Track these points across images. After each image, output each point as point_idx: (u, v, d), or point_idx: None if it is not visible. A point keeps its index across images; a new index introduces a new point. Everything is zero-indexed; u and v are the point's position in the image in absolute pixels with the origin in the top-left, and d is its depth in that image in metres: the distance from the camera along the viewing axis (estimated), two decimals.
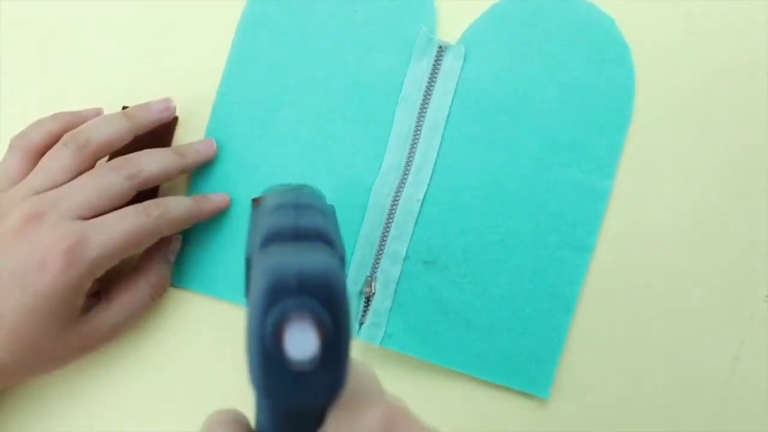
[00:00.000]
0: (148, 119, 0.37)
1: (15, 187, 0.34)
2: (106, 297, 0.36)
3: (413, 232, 0.40)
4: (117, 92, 0.41)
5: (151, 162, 0.35)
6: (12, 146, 0.36)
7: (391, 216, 0.40)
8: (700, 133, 0.41)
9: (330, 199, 0.39)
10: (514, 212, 0.40)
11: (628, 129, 0.40)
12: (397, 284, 0.40)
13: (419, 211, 0.40)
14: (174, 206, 0.36)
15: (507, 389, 0.39)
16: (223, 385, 0.39)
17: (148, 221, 0.34)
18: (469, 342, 0.39)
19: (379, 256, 0.40)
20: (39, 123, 0.36)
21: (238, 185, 0.40)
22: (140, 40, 0.41)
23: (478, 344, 0.39)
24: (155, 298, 0.38)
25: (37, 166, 0.34)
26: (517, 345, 0.39)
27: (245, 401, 0.39)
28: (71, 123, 0.36)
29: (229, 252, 0.39)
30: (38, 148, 0.35)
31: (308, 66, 0.40)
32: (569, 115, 0.40)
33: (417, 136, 0.40)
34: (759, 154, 0.40)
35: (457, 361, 0.39)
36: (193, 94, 0.40)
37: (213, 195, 0.39)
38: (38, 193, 0.33)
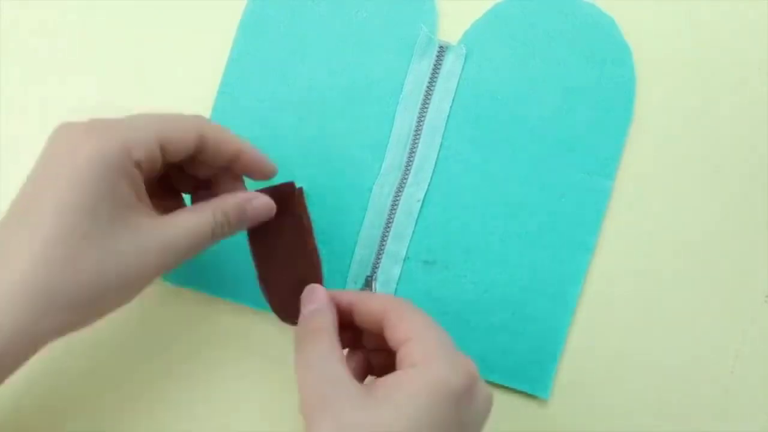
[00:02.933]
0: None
1: None
2: (161, 212, 0.32)
3: (413, 232, 0.40)
4: (117, 92, 0.41)
5: (217, 129, 0.34)
6: None
7: (392, 216, 0.40)
8: (701, 133, 0.41)
9: (330, 199, 0.40)
10: (514, 212, 0.40)
11: (629, 129, 0.40)
12: (397, 284, 0.40)
13: (419, 211, 0.40)
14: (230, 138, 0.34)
15: (507, 389, 0.39)
16: (222, 384, 0.39)
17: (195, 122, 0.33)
18: (469, 342, 0.39)
19: (380, 256, 0.40)
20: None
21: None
22: (141, 39, 0.41)
23: (478, 344, 0.39)
24: (216, 235, 0.33)
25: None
26: (517, 345, 0.39)
27: (245, 400, 0.39)
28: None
29: (228, 251, 0.39)
30: None
31: (309, 66, 0.40)
32: (570, 115, 0.40)
33: (417, 137, 0.40)
34: (759, 154, 0.40)
35: None
36: (193, 94, 0.40)
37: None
38: None
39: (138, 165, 0.30)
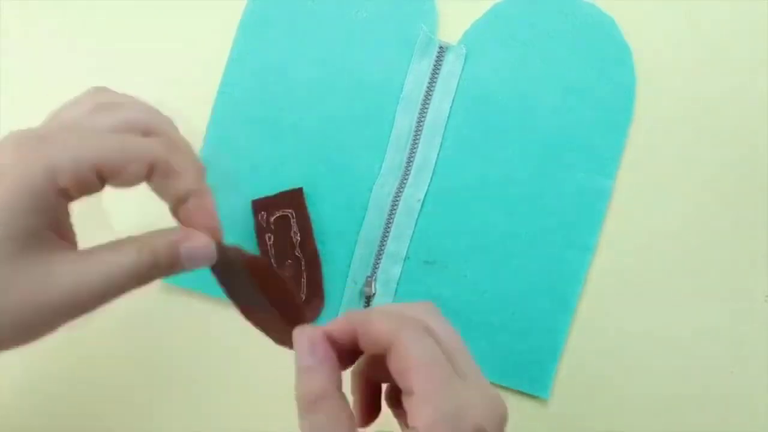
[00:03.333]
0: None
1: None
2: (82, 250, 0.28)
3: (413, 232, 0.40)
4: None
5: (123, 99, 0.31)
6: (85, 95, 0.31)
7: (392, 216, 0.40)
8: (701, 132, 0.41)
9: (330, 199, 0.40)
10: (514, 212, 0.40)
11: (629, 129, 0.40)
12: (398, 284, 0.40)
13: (419, 211, 0.40)
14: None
15: (507, 389, 0.39)
16: (221, 382, 0.39)
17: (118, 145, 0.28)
18: (469, 342, 0.39)
19: (380, 256, 0.40)
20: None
21: (239, 185, 0.40)
22: (141, 40, 0.41)
23: (478, 344, 0.39)
24: (143, 277, 0.28)
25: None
26: (517, 345, 0.39)
27: (245, 399, 0.39)
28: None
29: None
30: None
31: (309, 66, 0.40)
32: (570, 115, 0.40)
33: (417, 136, 0.40)
34: (759, 154, 0.40)
35: None
36: (193, 94, 0.40)
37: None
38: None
39: (63, 192, 0.27)
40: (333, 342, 0.29)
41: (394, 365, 0.27)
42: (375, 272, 0.40)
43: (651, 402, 0.40)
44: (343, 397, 0.28)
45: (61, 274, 0.27)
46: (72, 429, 0.39)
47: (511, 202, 0.40)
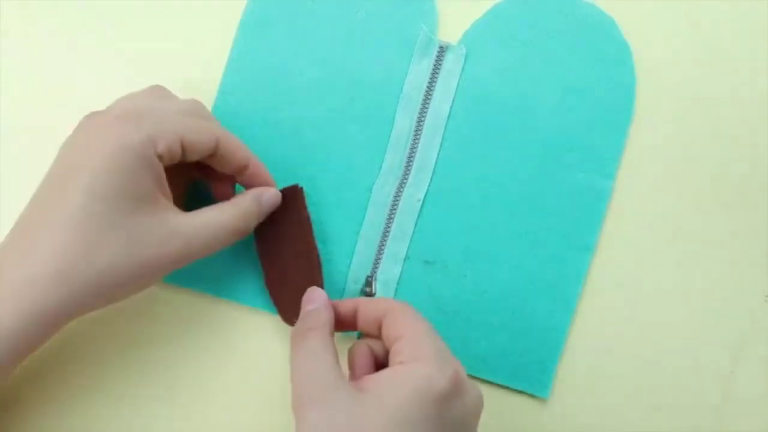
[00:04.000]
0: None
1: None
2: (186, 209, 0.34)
3: (414, 232, 0.40)
4: (117, 92, 0.41)
5: (238, 153, 0.36)
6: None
7: (392, 216, 0.40)
8: (701, 132, 0.41)
9: (330, 198, 0.40)
10: (514, 212, 0.40)
11: (629, 129, 0.40)
12: (398, 284, 0.40)
13: (420, 211, 0.40)
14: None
15: (507, 389, 0.39)
16: (221, 383, 0.39)
17: (212, 128, 0.34)
18: (469, 342, 0.39)
19: (380, 256, 0.40)
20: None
21: (239, 185, 0.40)
22: (141, 39, 0.41)
23: (478, 344, 0.39)
24: (240, 230, 0.35)
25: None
26: (517, 345, 0.39)
27: (244, 399, 0.39)
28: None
29: (228, 251, 0.39)
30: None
31: (309, 66, 0.40)
32: (570, 115, 0.40)
33: (417, 136, 0.40)
34: (759, 154, 0.40)
35: None
36: (194, 94, 0.40)
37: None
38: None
39: (160, 157, 0.32)
40: (336, 313, 0.35)
41: (387, 329, 0.33)
42: (375, 272, 0.40)
43: (650, 402, 0.40)
44: (332, 332, 0.33)
45: (177, 229, 0.32)
46: (70, 427, 0.39)
47: (511, 202, 0.40)
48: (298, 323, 0.34)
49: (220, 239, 0.34)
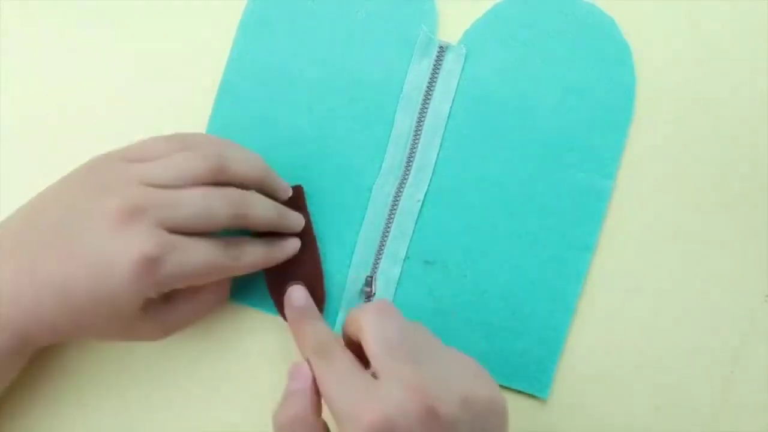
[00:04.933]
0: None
1: (140, 164, 0.33)
2: (169, 300, 0.35)
3: (413, 232, 0.40)
4: (117, 92, 0.41)
5: (259, 209, 0.35)
6: (175, 137, 0.35)
7: (392, 216, 0.40)
8: (701, 132, 0.41)
9: (330, 199, 0.40)
10: (514, 212, 0.40)
11: (629, 129, 0.40)
12: (398, 284, 0.40)
13: (419, 212, 0.40)
14: (251, 253, 0.35)
15: (506, 389, 0.39)
16: (222, 383, 0.39)
17: (225, 262, 0.34)
18: (468, 342, 0.39)
19: (380, 256, 0.40)
20: (198, 134, 0.37)
21: None
22: (141, 39, 0.41)
23: (478, 344, 0.39)
24: (214, 308, 0.37)
25: (169, 159, 0.33)
26: (516, 345, 0.39)
27: (245, 399, 0.39)
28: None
29: None
30: (185, 148, 0.35)
31: (309, 66, 0.40)
32: (570, 115, 0.40)
33: (417, 136, 0.40)
34: (759, 154, 0.40)
35: None
36: (193, 94, 0.40)
37: (286, 242, 0.38)
38: (152, 185, 0.32)
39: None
40: (347, 339, 0.34)
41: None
42: (375, 272, 0.40)
43: (650, 402, 0.40)
44: (319, 421, 0.32)
45: (155, 325, 0.34)
46: (69, 426, 0.39)
47: (511, 201, 0.40)
48: (278, 411, 0.32)
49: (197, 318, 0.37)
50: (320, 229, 0.39)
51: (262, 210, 0.35)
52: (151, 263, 0.31)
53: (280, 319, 0.38)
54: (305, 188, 0.39)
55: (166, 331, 0.35)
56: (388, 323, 0.32)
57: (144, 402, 0.39)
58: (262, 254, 0.36)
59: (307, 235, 0.39)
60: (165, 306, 0.34)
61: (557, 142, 0.40)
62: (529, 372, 0.39)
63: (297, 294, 0.38)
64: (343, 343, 0.34)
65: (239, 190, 0.35)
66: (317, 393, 0.32)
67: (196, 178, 0.33)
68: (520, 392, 0.39)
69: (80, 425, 0.39)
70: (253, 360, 0.39)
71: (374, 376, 0.30)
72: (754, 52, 0.41)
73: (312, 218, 0.39)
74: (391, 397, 0.29)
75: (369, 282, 0.39)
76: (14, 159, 0.40)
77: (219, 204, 0.33)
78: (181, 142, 0.35)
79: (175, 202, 0.32)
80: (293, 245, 0.38)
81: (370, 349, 0.31)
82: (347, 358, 0.32)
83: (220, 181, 0.34)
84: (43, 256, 0.31)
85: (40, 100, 0.41)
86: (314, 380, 0.32)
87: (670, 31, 0.41)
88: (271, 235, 0.37)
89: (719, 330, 0.40)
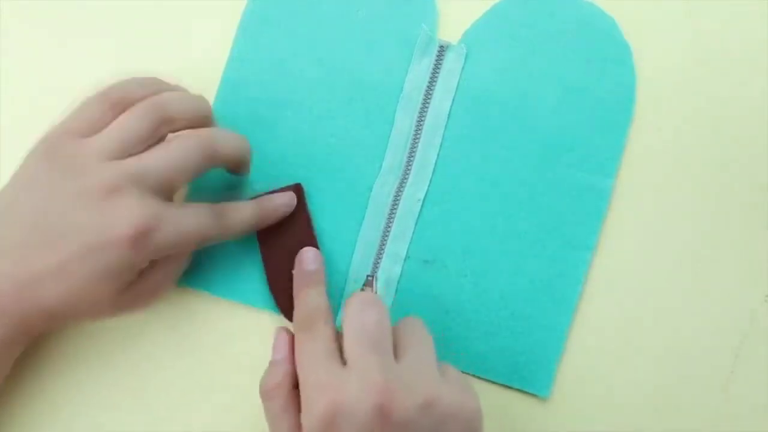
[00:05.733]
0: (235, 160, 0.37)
1: (88, 141, 0.33)
2: (152, 265, 0.35)
3: (414, 232, 0.40)
4: None
5: (224, 140, 0.35)
6: (105, 93, 0.35)
7: (392, 216, 0.40)
8: (701, 132, 0.41)
9: (330, 198, 0.40)
10: (514, 212, 0.40)
11: (629, 129, 0.40)
12: (398, 283, 0.40)
13: (420, 211, 0.40)
14: (241, 212, 0.36)
15: (507, 388, 0.39)
16: (222, 383, 0.39)
17: (214, 228, 0.34)
18: (469, 341, 0.39)
19: (380, 256, 0.40)
20: (128, 83, 0.36)
21: (239, 185, 0.40)
22: (141, 39, 0.41)
23: (478, 343, 0.39)
24: (179, 272, 0.37)
25: (115, 126, 0.34)
26: (517, 344, 0.39)
27: (245, 399, 0.39)
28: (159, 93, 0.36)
29: (228, 251, 0.39)
30: (123, 106, 0.35)
31: (309, 65, 0.40)
32: (570, 114, 0.40)
33: (418, 136, 0.40)
34: (759, 154, 0.40)
35: (457, 360, 0.39)
36: (193, 93, 0.40)
37: (275, 196, 0.38)
38: (114, 157, 0.33)
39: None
40: None
41: None
42: (375, 272, 0.40)
43: (650, 401, 0.40)
44: (295, 388, 0.33)
45: (142, 290, 0.35)
46: (69, 426, 0.39)
47: (511, 201, 0.40)
48: (262, 379, 0.35)
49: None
50: (320, 228, 0.39)
51: (228, 140, 0.36)
52: (142, 236, 0.32)
53: (280, 316, 0.38)
54: (305, 188, 0.39)
55: (150, 295, 0.36)
56: (367, 314, 0.33)
57: (140, 399, 0.39)
58: (251, 211, 0.37)
59: (307, 234, 0.39)
60: (147, 273, 0.34)
61: (557, 142, 0.40)
62: (530, 371, 0.39)
63: (308, 256, 0.37)
64: (330, 318, 0.35)
65: (199, 130, 0.35)
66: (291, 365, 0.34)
67: (149, 137, 0.34)
68: (520, 391, 0.39)
69: (76, 422, 0.39)
70: (253, 359, 0.39)
71: (344, 364, 0.31)
72: (754, 52, 0.41)
73: (312, 218, 0.39)
74: (349, 389, 0.30)
75: (369, 281, 0.39)
76: (14, 159, 0.40)
77: (187, 150, 0.34)
78: (116, 100, 0.35)
79: (146, 167, 0.33)
80: (283, 198, 0.38)
81: (345, 336, 0.32)
82: (327, 336, 0.33)
83: (170, 129, 0.35)
84: (35, 248, 0.32)
85: (40, 100, 0.41)
86: (292, 350, 0.34)
87: (670, 31, 0.41)
88: (287, 253, 0.38)
89: (719, 330, 0.40)
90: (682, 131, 0.41)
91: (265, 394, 0.33)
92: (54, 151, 0.34)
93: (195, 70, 0.41)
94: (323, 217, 0.40)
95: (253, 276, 0.39)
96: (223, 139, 0.35)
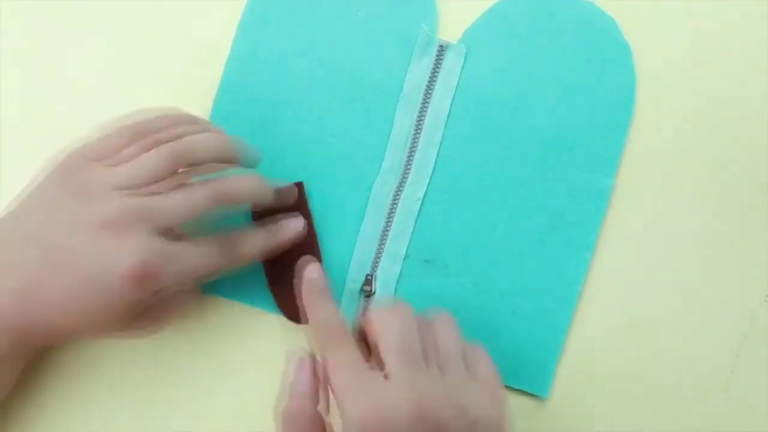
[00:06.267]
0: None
1: (109, 168, 0.33)
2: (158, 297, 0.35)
3: (413, 231, 0.40)
4: (118, 91, 0.41)
5: (243, 191, 0.35)
6: (133, 126, 0.35)
7: (392, 215, 0.40)
8: (701, 132, 0.41)
9: (330, 197, 0.40)
10: (514, 211, 0.40)
11: (629, 128, 0.40)
12: (397, 283, 0.40)
13: (419, 211, 0.40)
14: (251, 243, 0.36)
15: (506, 388, 0.39)
16: (222, 382, 0.39)
17: (222, 262, 0.34)
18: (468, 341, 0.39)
19: (379, 255, 0.40)
20: (154, 118, 0.36)
21: None
22: (142, 38, 0.41)
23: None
24: (193, 301, 0.38)
25: (135, 161, 0.34)
26: (516, 344, 0.39)
27: (245, 399, 0.39)
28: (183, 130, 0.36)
29: None
30: (145, 140, 0.35)
31: (309, 65, 0.40)
32: (570, 114, 0.40)
33: (417, 135, 0.40)
34: (760, 154, 0.40)
35: None
36: (193, 93, 0.40)
37: (287, 222, 0.38)
38: (128, 189, 0.33)
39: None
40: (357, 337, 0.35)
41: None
42: (375, 271, 0.40)
43: (650, 401, 0.40)
44: (318, 413, 0.33)
45: (145, 321, 0.34)
46: (69, 426, 0.39)
47: (511, 200, 0.40)
48: (282, 399, 0.34)
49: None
50: (320, 227, 0.39)
51: (245, 187, 0.35)
52: (147, 275, 0.31)
53: (280, 317, 0.38)
54: (305, 188, 0.39)
55: (152, 328, 0.36)
56: (403, 324, 0.33)
57: (142, 403, 0.39)
58: (263, 240, 0.36)
59: (308, 233, 0.39)
60: (159, 303, 0.35)
61: (557, 142, 0.40)
62: (529, 371, 0.39)
63: (313, 269, 0.37)
64: (348, 327, 0.34)
65: (217, 180, 0.35)
66: (317, 388, 0.33)
67: (166, 176, 0.34)
68: (519, 391, 0.39)
69: (79, 423, 0.39)
70: (254, 359, 0.39)
71: (385, 377, 0.31)
72: (753, 52, 0.41)
73: (312, 217, 0.39)
74: (389, 398, 0.30)
75: (369, 281, 0.39)
76: (14, 159, 0.41)
77: (202, 197, 0.34)
78: (139, 133, 0.35)
79: (160, 206, 0.32)
80: (295, 225, 0.38)
81: (387, 351, 0.32)
82: (355, 347, 0.32)
83: (187, 166, 0.35)
84: (38, 267, 0.32)
85: (40, 101, 0.41)
86: (315, 374, 0.34)
87: (670, 31, 0.41)
88: (288, 255, 0.38)
89: (719, 330, 0.40)
90: (682, 131, 0.41)
91: (290, 418, 0.33)
92: (69, 172, 0.34)
93: (195, 69, 0.41)
94: (323, 217, 0.40)
95: (253, 276, 0.39)
96: (239, 187, 0.35)
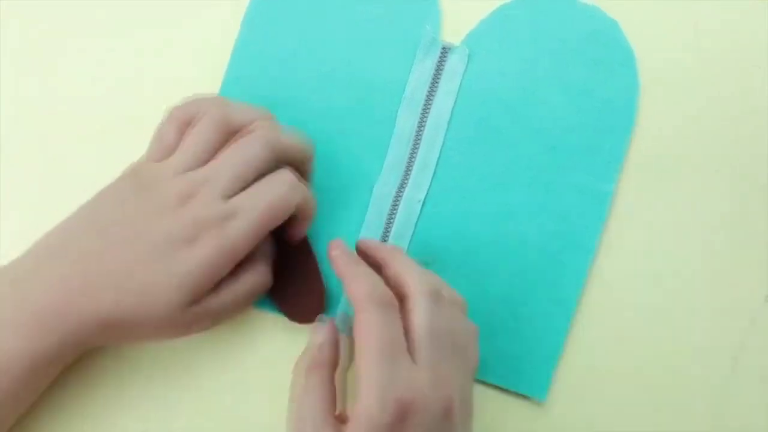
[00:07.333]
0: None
1: (166, 161, 0.34)
2: (232, 274, 0.35)
3: (414, 233, 0.40)
4: (118, 90, 0.41)
5: (290, 136, 0.36)
6: (172, 117, 0.36)
7: (392, 216, 0.40)
8: (703, 136, 0.41)
9: (331, 198, 0.40)
10: (515, 214, 0.40)
11: (632, 132, 0.40)
12: None
13: (420, 212, 0.40)
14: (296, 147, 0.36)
15: (504, 391, 0.39)
16: (222, 382, 0.39)
17: (299, 193, 0.35)
18: None
19: None
20: (199, 101, 0.36)
21: None
22: (143, 37, 0.41)
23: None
24: (260, 291, 0.37)
25: (185, 143, 0.35)
26: (515, 347, 0.39)
27: (249, 399, 0.39)
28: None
29: None
30: (191, 124, 0.36)
31: (311, 65, 0.40)
32: (572, 117, 0.40)
33: (419, 137, 0.40)
34: (760, 158, 0.41)
35: None
36: (196, 92, 0.40)
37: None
38: (189, 169, 0.34)
39: None
40: (362, 253, 0.36)
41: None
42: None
43: (650, 402, 0.40)
44: (335, 369, 0.35)
45: (208, 308, 0.34)
46: (69, 426, 0.39)
47: (513, 203, 0.40)
48: (304, 356, 0.36)
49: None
50: (320, 228, 0.39)
51: (291, 134, 0.36)
52: (222, 235, 0.33)
53: (280, 317, 0.38)
54: None
55: (215, 319, 0.35)
56: (438, 313, 0.33)
57: (142, 403, 0.39)
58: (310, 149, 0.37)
59: (306, 245, 0.39)
60: (212, 295, 0.34)
61: (559, 145, 0.40)
62: (527, 373, 0.39)
63: (339, 242, 0.36)
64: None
65: (262, 125, 0.35)
66: (337, 348, 0.35)
67: (219, 145, 0.35)
68: (517, 394, 0.39)
69: (79, 423, 0.39)
70: (254, 359, 0.39)
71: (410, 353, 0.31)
72: (757, 57, 0.41)
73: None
74: (422, 387, 0.30)
75: None
76: (14, 159, 0.40)
77: (250, 146, 0.34)
78: (184, 120, 0.36)
79: (215, 173, 0.33)
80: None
81: (418, 333, 0.32)
82: (400, 326, 0.32)
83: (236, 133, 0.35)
84: (97, 254, 0.32)
85: (40, 101, 0.41)
86: (336, 335, 0.36)
87: (673, 35, 0.41)
88: (286, 255, 0.38)
89: (719, 330, 0.40)
90: (685, 134, 0.41)
91: (308, 369, 0.34)
92: (136, 173, 0.35)
93: (197, 68, 0.41)
94: (324, 217, 0.39)
95: None
96: (285, 132, 0.36)
